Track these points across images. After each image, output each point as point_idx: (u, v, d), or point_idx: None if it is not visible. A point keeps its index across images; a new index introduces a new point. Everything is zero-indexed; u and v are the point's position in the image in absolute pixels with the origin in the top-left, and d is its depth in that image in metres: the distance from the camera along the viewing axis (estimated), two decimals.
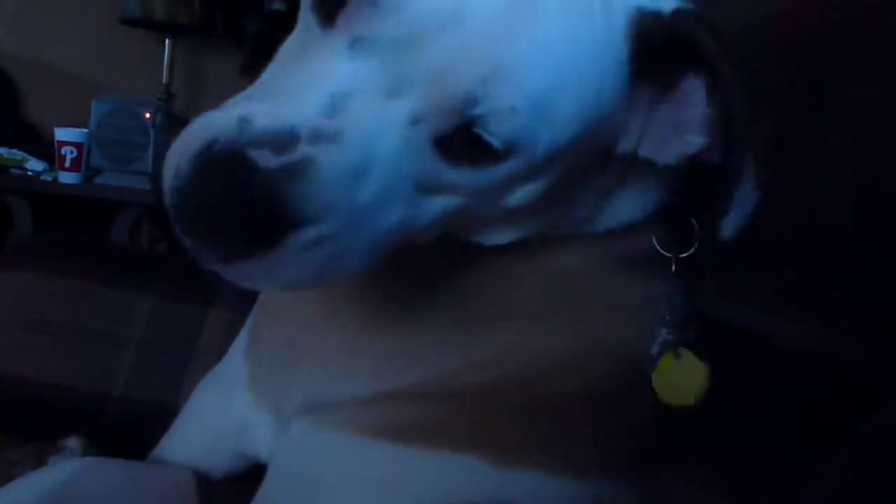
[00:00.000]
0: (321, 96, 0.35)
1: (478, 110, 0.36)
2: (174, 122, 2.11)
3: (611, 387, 0.49)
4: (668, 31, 0.39)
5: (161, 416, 0.66)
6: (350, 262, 0.38)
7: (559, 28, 0.36)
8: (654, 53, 0.40)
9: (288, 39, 0.43)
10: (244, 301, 0.84)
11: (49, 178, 1.97)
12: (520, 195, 0.42)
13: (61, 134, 1.93)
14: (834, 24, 0.42)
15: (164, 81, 2.17)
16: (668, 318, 0.47)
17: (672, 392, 0.47)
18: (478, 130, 0.36)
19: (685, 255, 0.47)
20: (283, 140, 0.34)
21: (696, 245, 0.47)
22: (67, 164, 1.94)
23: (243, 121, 0.34)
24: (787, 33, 0.46)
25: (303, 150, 0.34)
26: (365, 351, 0.51)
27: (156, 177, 1.98)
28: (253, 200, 0.34)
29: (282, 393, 0.54)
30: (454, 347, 0.49)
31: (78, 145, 1.93)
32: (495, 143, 0.36)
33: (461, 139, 0.37)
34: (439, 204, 0.40)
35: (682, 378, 0.47)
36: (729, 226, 0.42)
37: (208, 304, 0.83)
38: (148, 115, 1.95)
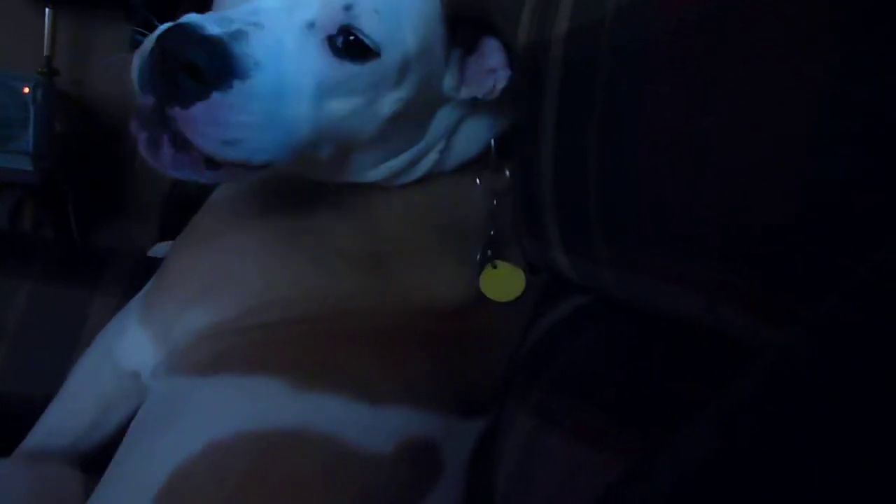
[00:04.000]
0: (245, 7, 0.49)
1: (353, 12, 0.50)
2: (57, 98, 1.97)
3: (421, 327, 0.57)
4: (464, 5, 0.56)
5: (40, 412, 0.62)
6: (273, 137, 0.49)
7: None
8: (458, 27, 0.57)
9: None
10: (134, 284, 0.80)
11: None
12: (388, 103, 0.55)
13: None
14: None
15: (45, 54, 2.02)
16: (489, 237, 0.62)
17: (496, 293, 0.61)
18: (355, 30, 0.51)
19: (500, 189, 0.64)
20: (223, 21, 0.47)
21: (508, 178, 0.64)
22: None
23: (188, 18, 0.46)
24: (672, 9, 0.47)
25: (238, 25, 0.47)
26: (224, 278, 0.58)
27: (38, 156, 1.84)
28: (208, 48, 0.45)
29: (166, 321, 0.59)
30: (297, 278, 0.57)
31: None
32: (368, 41, 0.51)
33: (344, 40, 0.51)
34: (335, 107, 0.53)
35: (502, 283, 0.61)
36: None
37: (94, 290, 0.78)
38: (27, 90, 1.81)
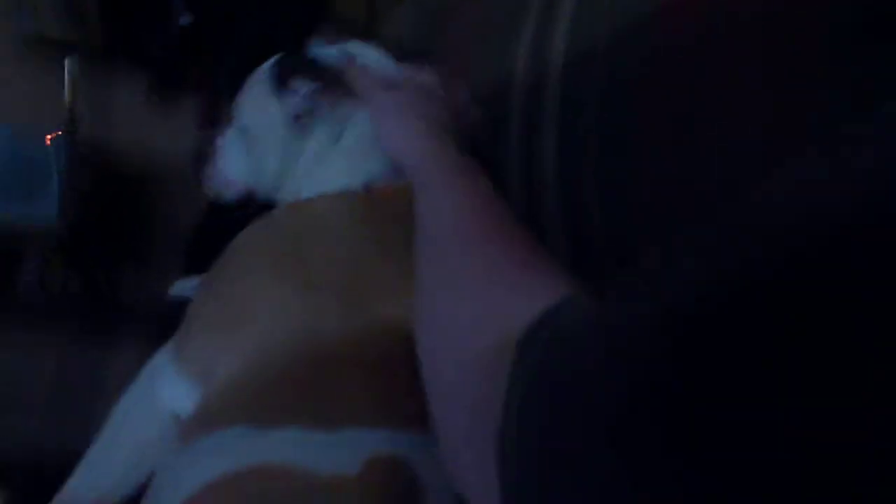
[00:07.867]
0: None
1: None
2: (80, 148, 2.01)
3: (375, 349, 0.58)
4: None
5: (70, 465, 0.63)
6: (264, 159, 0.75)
7: None
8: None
9: None
10: (155, 329, 0.81)
11: None
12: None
13: None
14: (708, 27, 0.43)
15: (67, 105, 2.07)
16: None
17: None
18: None
19: None
20: None
21: None
22: None
23: None
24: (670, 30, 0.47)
25: None
26: (237, 321, 0.61)
27: (64, 206, 1.88)
28: None
29: (200, 360, 0.61)
30: (288, 318, 0.59)
31: None
32: None
33: None
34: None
35: None
36: None
37: (119, 340, 0.80)
38: (49, 141, 1.86)
